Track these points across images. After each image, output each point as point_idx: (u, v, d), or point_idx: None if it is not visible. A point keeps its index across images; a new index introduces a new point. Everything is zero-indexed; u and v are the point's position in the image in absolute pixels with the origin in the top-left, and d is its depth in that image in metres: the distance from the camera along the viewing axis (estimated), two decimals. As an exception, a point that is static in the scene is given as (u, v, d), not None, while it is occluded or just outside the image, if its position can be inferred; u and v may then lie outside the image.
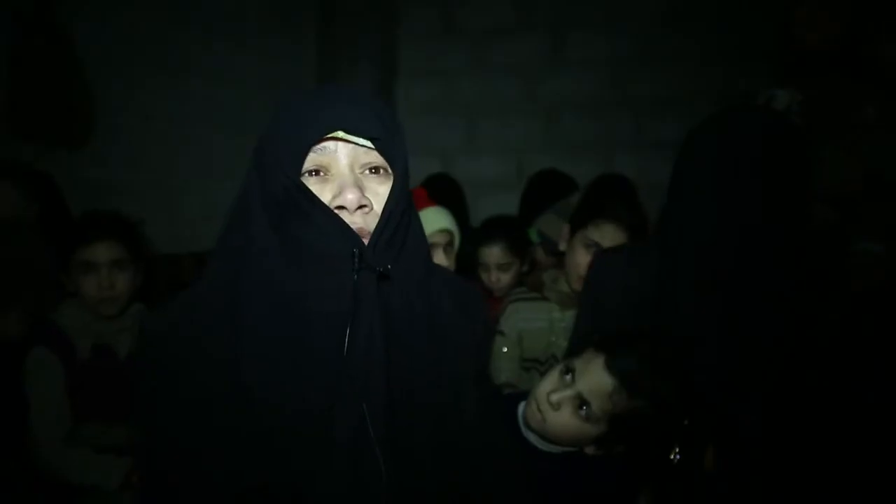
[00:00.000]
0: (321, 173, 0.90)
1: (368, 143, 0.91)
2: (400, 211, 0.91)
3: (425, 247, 1.01)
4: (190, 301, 0.96)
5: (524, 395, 1.45)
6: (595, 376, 1.27)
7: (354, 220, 0.88)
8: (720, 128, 1.33)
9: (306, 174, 0.89)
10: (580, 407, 1.28)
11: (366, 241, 0.87)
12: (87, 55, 2.75)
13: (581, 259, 1.87)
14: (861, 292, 1.53)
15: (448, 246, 2.21)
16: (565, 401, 1.28)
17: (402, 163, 0.93)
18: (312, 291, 0.86)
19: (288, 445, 0.86)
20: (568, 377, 1.30)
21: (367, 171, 0.92)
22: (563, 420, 1.28)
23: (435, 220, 2.14)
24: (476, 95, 4.30)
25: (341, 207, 0.88)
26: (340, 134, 0.89)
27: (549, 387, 1.31)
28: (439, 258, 1.96)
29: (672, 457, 1.33)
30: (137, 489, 1.08)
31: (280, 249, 0.87)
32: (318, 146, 0.89)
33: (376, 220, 0.89)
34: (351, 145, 0.90)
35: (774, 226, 1.27)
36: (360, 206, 0.88)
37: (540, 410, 1.30)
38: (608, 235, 1.87)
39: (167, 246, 2.85)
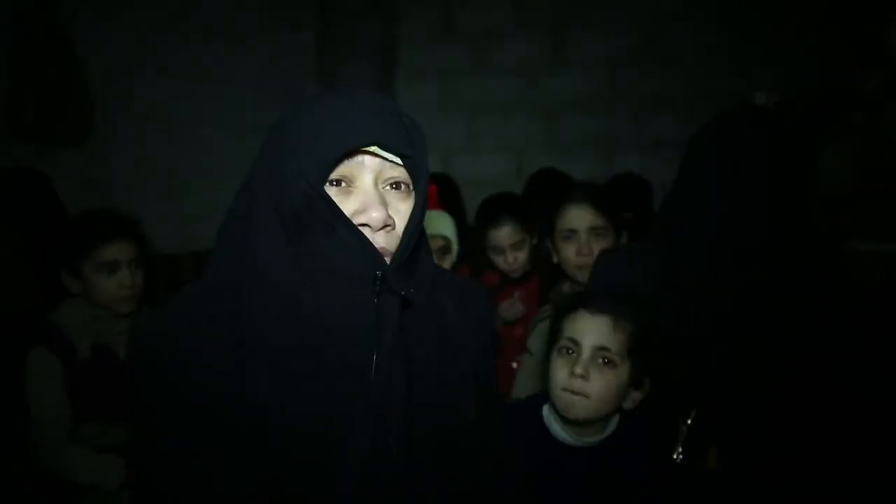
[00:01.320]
0: (344, 184, 0.88)
1: (397, 160, 0.89)
2: (419, 231, 0.90)
3: (430, 255, 1.01)
4: (187, 302, 0.94)
5: (540, 396, 1.45)
6: (593, 325, 1.32)
7: (377, 240, 0.86)
8: (722, 129, 1.33)
9: (328, 183, 0.87)
10: (602, 361, 1.31)
11: (387, 261, 0.86)
12: (87, 55, 2.75)
13: (568, 253, 1.89)
14: (862, 292, 1.53)
15: (442, 252, 2.19)
16: (588, 365, 1.31)
17: (424, 181, 0.91)
18: (330, 307, 0.84)
19: (300, 459, 0.85)
20: (569, 352, 1.33)
21: (389, 186, 0.90)
22: (599, 382, 1.31)
23: (431, 224, 2.13)
24: (476, 95, 4.30)
25: (364, 225, 0.86)
26: (372, 148, 0.87)
27: (564, 370, 1.33)
28: None
29: (675, 457, 1.33)
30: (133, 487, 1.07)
31: (292, 258, 0.85)
32: (345, 157, 0.87)
33: (397, 240, 0.88)
34: (378, 159, 0.88)
35: (775, 226, 1.27)
36: (385, 226, 0.86)
37: (577, 393, 1.31)
38: (575, 216, 1.88)
39: (167, 245, 2.85)
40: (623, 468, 1.33)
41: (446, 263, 2.19)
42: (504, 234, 2.32)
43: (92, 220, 1.94)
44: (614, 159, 3.96)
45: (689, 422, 1.34)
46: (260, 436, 0.85)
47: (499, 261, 2.37)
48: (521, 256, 2.35)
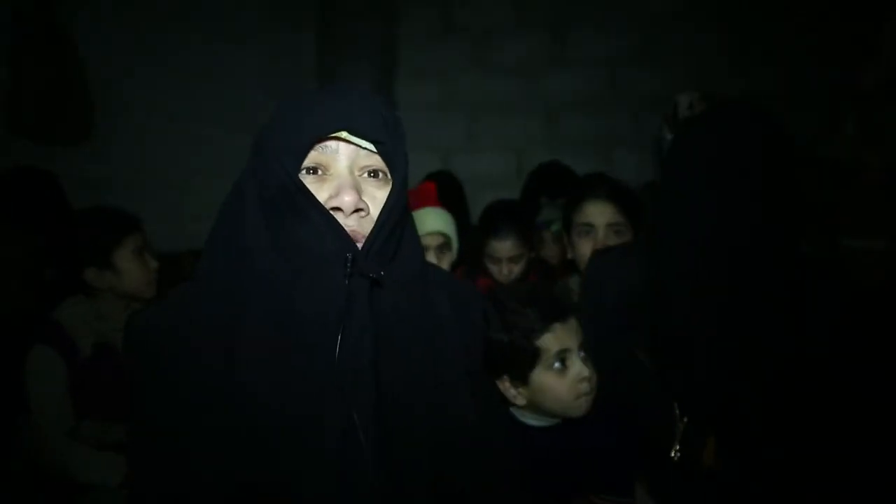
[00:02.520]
0: (319, 171, 0.89)
1: (371, 147, 0.90)
2: (395, 218, 0.90)
3: (419, 249, 1.01)
4: (182, 299, 0.95)
5: None
6: (572, 329, 1.36)
7: (349, 224, 0.87)
8: (717, 127, 1.31)
9: (304, 171, 0.89)
10: (585, 355, 1.36)
11: (359, 245, 0.86)
12: (88, 54, 2.76)
13: (583, 249, 1.84)
14: (861, 290, 1.53)
15: (442, 249, 2.18)
16: (583, 364, 1.35)
17: (402, 169, 0.92)
18: (304, 292, 0.85)
19: (277, 446, 0.85)
20: (563, 364, 1.35)
21: (366, 174, 0.91)
22: (594, 373, 1.35)
23: (429, 221, 2.13)
24: (476, 94, 4.30)
25: (337, 209, 0.87)
26: (344, 134, 0.88)
27: (563, 383, 1.34)
28: (430, 261, 1.93)
29: (672, 454, 1.33)
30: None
31: (272, 246, 0.87)
32: (320, 144, 0.89)
33: (371, 225, 0.88)
34: (353, 147, 0.90)
35: (775, 226, 1.27)
36: (357, 210, 0.87)
37: (588, 393, 1.35)
38: (594, 212, 1.84)
39: (168, 244, 2.85)
40: (593, 441, 1.37)
41: (445, 261, 2.19)
42: (505, 247, 2.31)
43: (108, 214, 1.97)
44: (614, 157, 3.97)
45: (685, 419, 1.34)
46: (252, 430, 0.85)
47: (493, 269, 2.36)
48: (517, 269, 2.34)
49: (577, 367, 1.34)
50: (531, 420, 1.41)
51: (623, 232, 1.84)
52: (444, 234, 2.19)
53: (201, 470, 0.87)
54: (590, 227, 1.85)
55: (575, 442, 1.38)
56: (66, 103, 2.70)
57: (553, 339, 1.34)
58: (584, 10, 4.09)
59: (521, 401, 1.38)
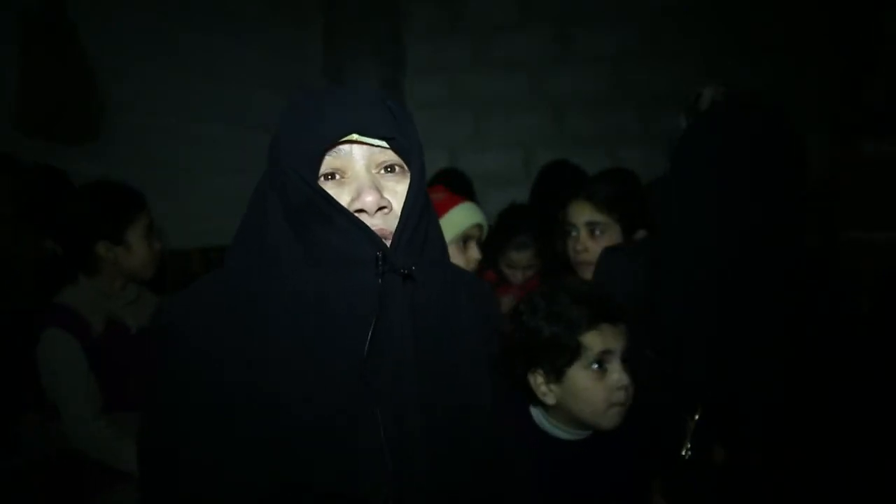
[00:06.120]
0: (337, 176, 0.91)
1: (383, 144, 0.91)
2: (419, 208, 0.91)
3: (442, 240, 1.02)
4: (207, 296, 0.95)
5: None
6: (618, 334, 1.29)
7: (374, 223, 0.88)
8: (722, 124, 1.31)
9: (322, 178, 0.90)
10: (624, 363, 1.29)
11: (387, 242, 0.88)
12: (94, 52, 2.76)
13: (568, 248, 1.91)
14: (859, 285, 1.52)
15: (479, 241, 2.22)
16: (622, 371, 1.28)
17: (418, 159, 0.92)
18: (336, 294, 0.86)
19: (311, 446, 0.86)
20: (600, 367, 1.28)
21: (383, 171, 0.92)
22: (631, 384, 1.28)
23: (470, 215, 2.14)
24: (482, 90, 4.30)
25: (361, 210, 0.88)
26: (355, 136, 0.89)
27: (600, 387, 1.27)
28: (473, 251, 1.91)
29: (684, 452, 1.33)
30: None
31: (301, 252, 0.87)
32: (333, 149, 0.90)
33: (396, 220, 0.90)
34: (366, 146, 0.91)
35: (778, 224, 1.26)
36: (380, 208, 0.89)
37: (623, 403, 1.28)
38: (574, 211, 1.89)
39: (175, 241, 2.87)
40: (618, 454, 1.34)
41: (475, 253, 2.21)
42: (525, 256, 2.56)
43: (121, 189, 1.95)
44: (619, 153, 3.96)
45: (696, 417, 1.34)
46: (280, 429, 0.85)
47: (508, 273, 2.59)
48: (529, 273, 2.59)
49: (617, 373, 1.27)
50: (557, 431, 1.35)
51: (606, 230, 1.85)
52: (481, 226, 2.21)
53: (230, 470, 0.87)
54: (571, 227, 1.90)
55: (599, 456, 1.33)
56: (74, 101, 2.70)
57: (597, 338, 1.27)
58: (588, 6, 4.07)
59: (550, 399, 1.31)
